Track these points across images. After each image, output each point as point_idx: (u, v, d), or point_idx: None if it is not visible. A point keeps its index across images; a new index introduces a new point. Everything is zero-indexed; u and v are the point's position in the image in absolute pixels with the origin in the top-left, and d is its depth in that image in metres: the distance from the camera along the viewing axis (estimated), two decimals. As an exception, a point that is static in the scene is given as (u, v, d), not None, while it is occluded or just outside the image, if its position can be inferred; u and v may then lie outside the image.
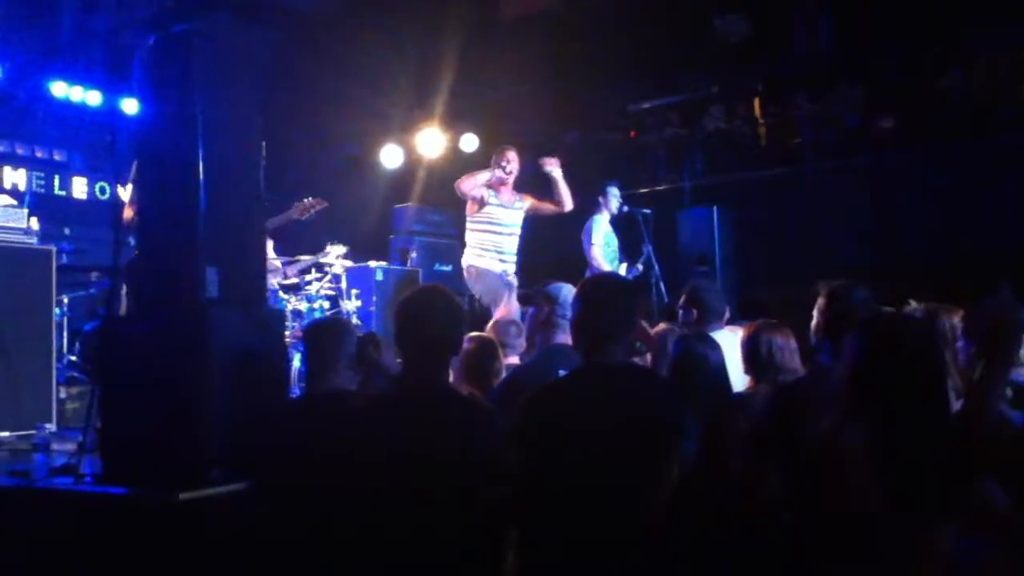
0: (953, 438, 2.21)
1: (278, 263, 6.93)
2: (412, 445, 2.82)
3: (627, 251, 7.59)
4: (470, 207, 6.72)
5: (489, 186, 6.67)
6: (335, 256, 7.20)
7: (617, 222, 7.54)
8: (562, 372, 3.49)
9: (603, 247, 7.26)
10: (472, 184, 6.64)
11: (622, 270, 7.33)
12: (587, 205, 7.60)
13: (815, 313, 3.28)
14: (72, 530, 3.53)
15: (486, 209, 6.67)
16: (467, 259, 6.72)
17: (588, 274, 6.96)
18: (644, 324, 4.23)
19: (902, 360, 2.22)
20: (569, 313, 3.82)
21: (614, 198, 7.46)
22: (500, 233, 6.68)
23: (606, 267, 7.18)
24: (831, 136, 8.43)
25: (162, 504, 3.33)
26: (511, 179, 6.72)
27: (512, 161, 6.69)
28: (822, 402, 2.42)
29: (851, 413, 2.24)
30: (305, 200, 6.69)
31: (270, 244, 6.62)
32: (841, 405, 2.26)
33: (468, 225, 6.76)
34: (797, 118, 8.62)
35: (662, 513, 2.64)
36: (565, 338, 3.90)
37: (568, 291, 4.01)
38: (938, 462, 2.14)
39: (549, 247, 7.74)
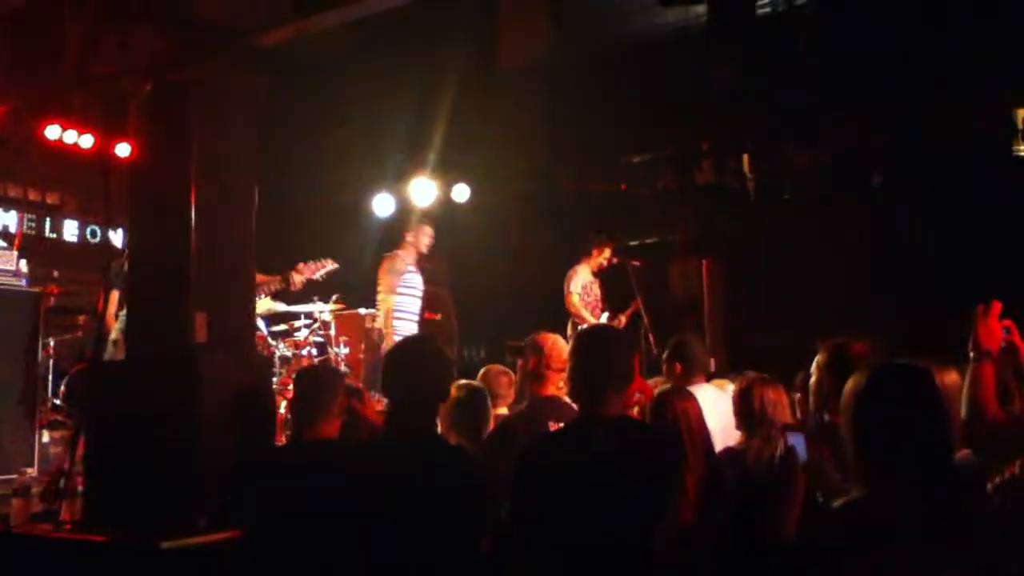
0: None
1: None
2: (399, 493, 2.80)
3: (612, 301, 7.63)
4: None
5: None
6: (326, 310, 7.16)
7: (607, 273, 7.58)
8: (551, 424, 3.48)
9: (581, 296, 7.38)
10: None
11: (603, 320, 7.40)
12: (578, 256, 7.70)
13: (814, 370, 3.27)
14: (50, 578, 3.46)
15: None
16: None
17: (569, 324, 7.07)
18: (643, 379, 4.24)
19: (913, 411, 2.19)
20: (555, 364, 3.83)
21: (604, 259, 7.62)
22: None
23: (585, 315, 7.25)
24: (821, 186, 8.50)
25: (143, 553, 3.28)
26: None
27: None
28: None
29: (863, 475, 2.19)
30: (320, 260, 6.63)
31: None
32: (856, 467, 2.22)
33: None
34: (788, 169, 8.70)
35: (655, 564, 2.61)
36: (554, 390, 3.89)
37: (553, 341, 4.01)
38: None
39: (536, 297, 7.76)
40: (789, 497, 2.41)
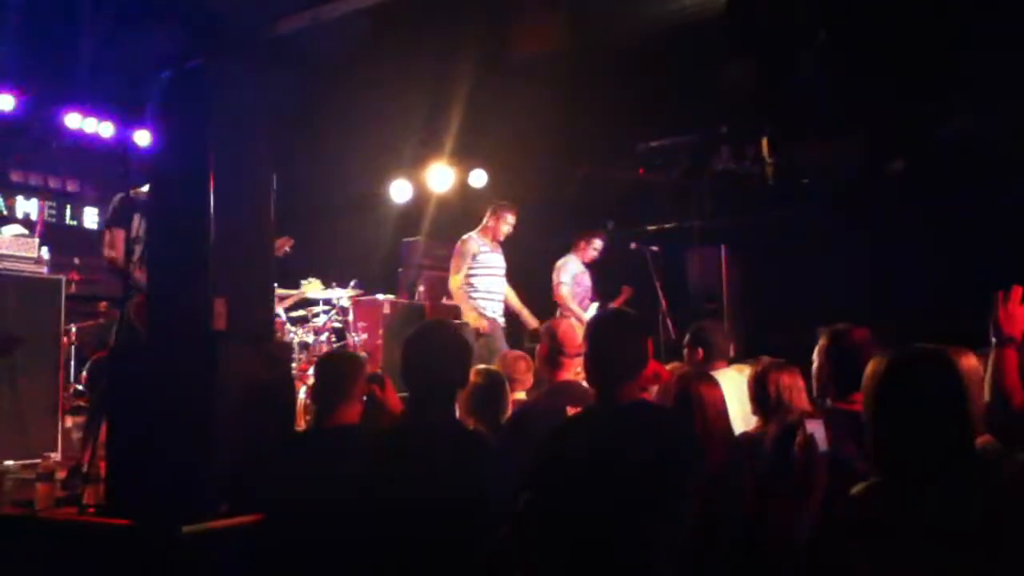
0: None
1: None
2: (419, 480, 2.81)
3: (603, 291, 7.64)
4: None
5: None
6: (310, 291, 7.15)
7: (624, 259, 7.57)
8: (569, 409, 3.49)
9: (571, 286, 7.35)
10: None
11: (592, 310, 7.39)
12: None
13: (815, 356, 3.27)
14: (74, 562, 3.51)
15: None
16: None
17: (559, 313, 7.09)
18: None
19: (934, 397, 2.18)
20: (568, 349, 3.84)
21: (594, 250, 7.57)
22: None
23: (573, 306, 7.28)
24: (838, 178, 8.45)
25: (165, 537, 3.31)
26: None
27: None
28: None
29: (882, 462, 2.19)
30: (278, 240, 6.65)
31: None
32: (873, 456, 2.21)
33: None
34: (803, 160, 8.65)
35: (674, 553, 2.62)
36: (571, 374, 3.90)
37: (567, 327, 4.02)
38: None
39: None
40: (808, 492, 2.41)
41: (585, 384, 3.78)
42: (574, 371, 3.94)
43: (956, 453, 2.16)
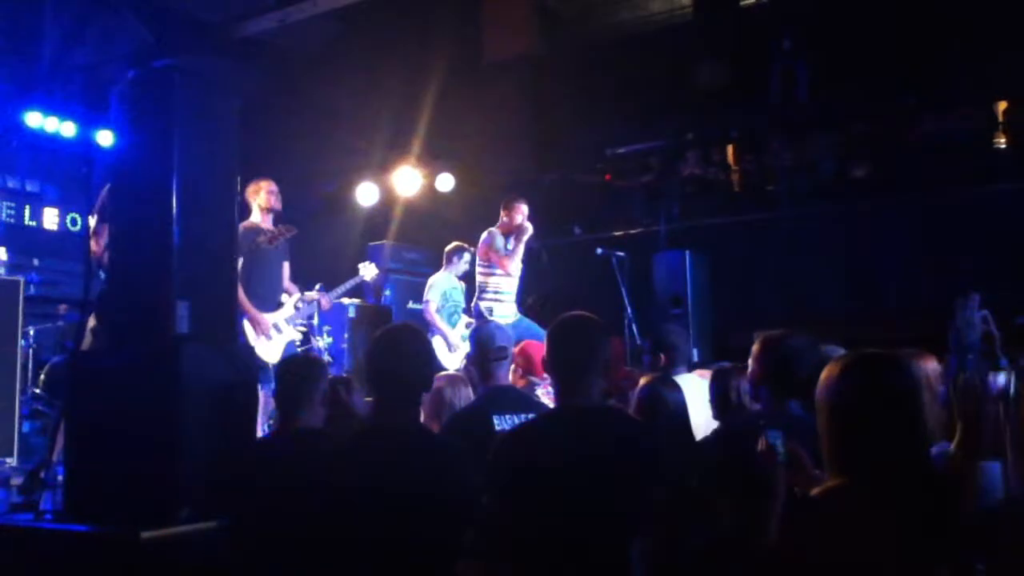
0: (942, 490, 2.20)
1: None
2: (384, 483, 2.80)
3: (595, 293, 7.64)
4: None
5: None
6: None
7: (592, 263, 7.59)
8: (496, 416, 3.48)
9: (439, 304, 7.42)
10: None
11: (461, 325, 7.41)
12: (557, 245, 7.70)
13: (750, 362, 3.29)
14: (31, 568, 3.44)
15: None
16: None
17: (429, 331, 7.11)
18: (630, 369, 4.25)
19: (888, 400, 2.20)
20: (491, 354, 3.81)
21: (464, 263, 7.61)
22: None
23: (440, 325, 7.34)
24: (806, 182, 8.54)
25: (123, 543, 3.26)
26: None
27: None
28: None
29: (838, 464, 2.21)
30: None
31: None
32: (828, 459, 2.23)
33: None
34: (772, 164, 8.74)
35: (644, 556, 2.61)
36: (502, 379, 3.83)
37: (489, 331, 3.97)
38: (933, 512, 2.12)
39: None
40: (770, 499, 2.42)
41: (518, 387, 3.78)
42: (508, 375, 3.90)
43: (908, 457, 2.18)
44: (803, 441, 2.49)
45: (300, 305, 6.56)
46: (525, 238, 7.07)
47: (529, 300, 7.66)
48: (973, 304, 2.69)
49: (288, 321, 6.45)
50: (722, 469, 2.79)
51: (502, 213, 7.20)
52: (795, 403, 3.07)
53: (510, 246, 7.05)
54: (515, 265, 7.11)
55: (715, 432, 3.40)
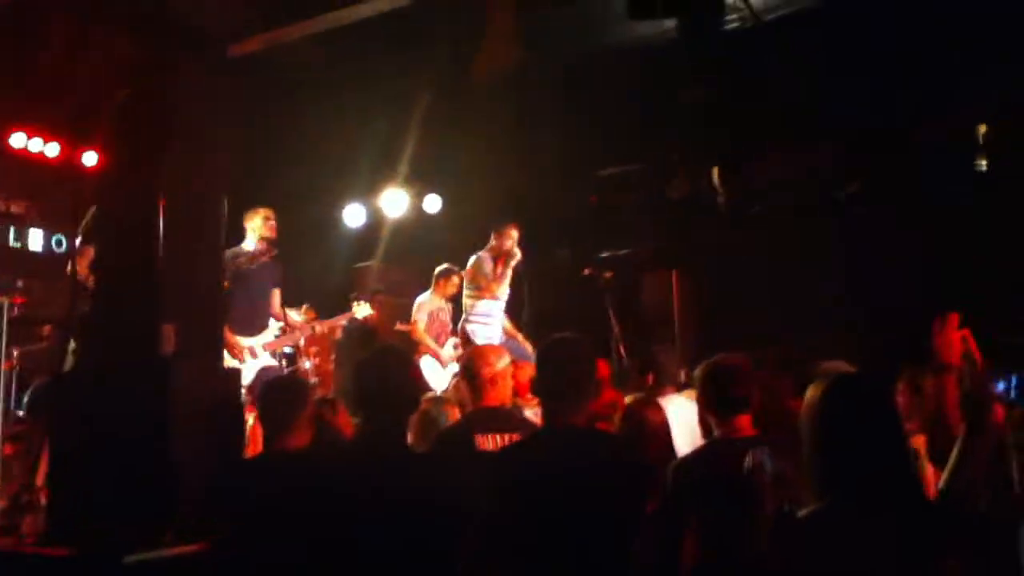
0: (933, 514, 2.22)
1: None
2: (370, 504, 2.80)
3: (583, 314, 7.66)
4: None
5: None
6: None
7: (579, 284, 7.61)
8: (479, 436, 3.48)
9: (427, 326, 7.48)
10: None
11: (450, 346, 7.43)
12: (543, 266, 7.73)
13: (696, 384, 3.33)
14: (12, 593, 3.41)
15: None
16: None
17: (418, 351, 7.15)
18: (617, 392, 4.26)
19: (870, 419, 2.22)
20: (480, 374, 3.81)
21: (452, 286, 7.64)
22: None
23: (428, 342, 7.38)
24: (792, 200, 8.58)
25: (106, 567, 3.23)
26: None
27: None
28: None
29: (821, 484, 2.21)
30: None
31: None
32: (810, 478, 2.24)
33: None
34: (758, 184, 8.78)
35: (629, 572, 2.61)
36: (489, 399, 3.82)
37: (477, 354, 3.96)
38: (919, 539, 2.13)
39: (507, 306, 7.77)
40: (758, 514, 2.43)
41: (505, 408, 3.79)
42: (500, 396, 3.89)
43: (891, 477, 2.19)
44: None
45: (280, 333, 6.55)
46: (513, 263, 7.12)
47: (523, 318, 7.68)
48: (951, 324, 2.71)
49: (266, 347, 6.43)
50: (706, 485, 2.80)
51: (492, 237, 7.23)
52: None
53: (498, 270, 7.09)
54: (502, 289, 7.16)
55: (698, 450, 3.40)
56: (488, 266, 7.14)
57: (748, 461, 2.63)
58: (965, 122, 7.43)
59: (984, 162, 7.41)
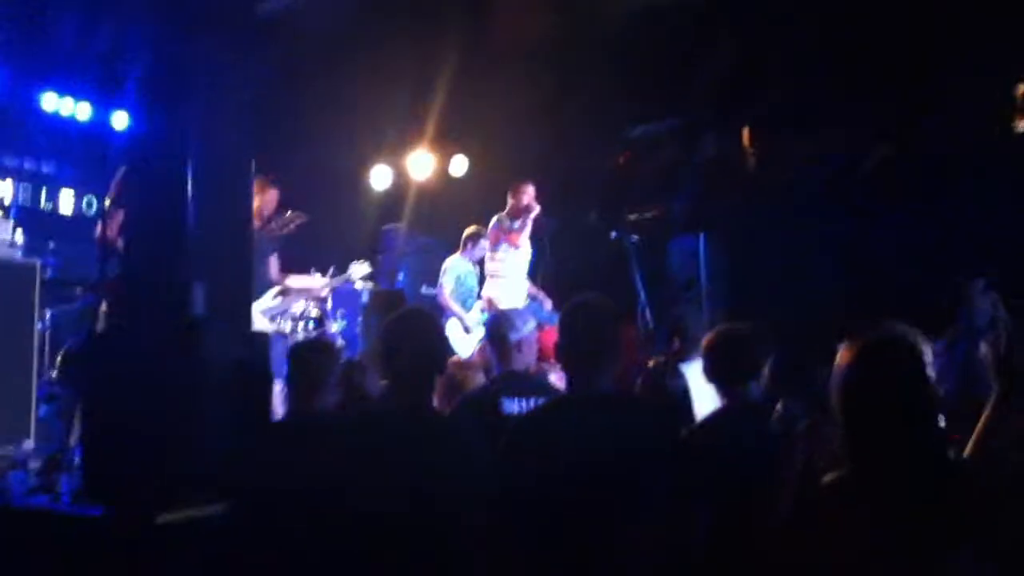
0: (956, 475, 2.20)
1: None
2: (398, 465, 2.81)
3: (608, 277, 7.63)
4: None
5: None
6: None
7: (606, 246, 7.59)
8: (506, 399, 3.49)
9: (454, 290, 7.42)
10: None
11: (476, 309, 7.43)
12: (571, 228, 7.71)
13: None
14: (48, 551, 3.48)
15: None
16: None
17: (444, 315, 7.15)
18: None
19: (898, 386, 2.20)
20: (501, 337, 3.82)
21: (480, 249, 7.62)
22: None
23: (455, 308, 7.35)
24: (821, 169, 8.47)
25: (139, 526, 3.29)
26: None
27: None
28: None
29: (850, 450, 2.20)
30: (287, 214, 6.65)
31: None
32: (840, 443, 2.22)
33: None
34: (787, 150, 8.67)
35: (647, 546, 2.62)
36: (512, 363, 3.83)
37: (507, 315, 3.98)
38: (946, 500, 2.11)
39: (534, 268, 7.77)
40: (786, 469, 2.42)
41: (532, 372, 3.80)
42: (526, 360, 3.90)
43: (922, 443, 2.17)
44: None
45: (278, 299, 6.56)
46: (532, 215, 7.22)
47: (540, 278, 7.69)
48: (979, 288, 2.67)
49: (264, 313, 6.44)
50: (711, 455, 2.80)
51: (509, 196, 7.30)
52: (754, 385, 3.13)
53: (517, 225, 7.17)
54: (523, 239, 7.23)
55: (702, 421, 3.41)
56: (507, 223, 7.25)
57: (777, 410, 2.61)
58: (1001, 82, 7.28)
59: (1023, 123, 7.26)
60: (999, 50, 6.98)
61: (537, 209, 7.23)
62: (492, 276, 7.27)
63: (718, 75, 8.04)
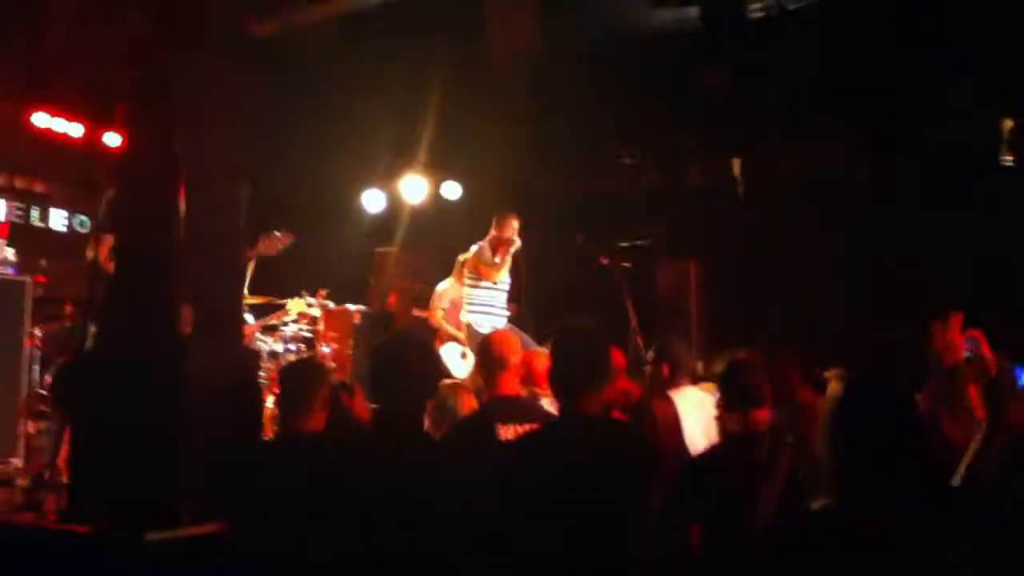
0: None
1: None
2: (388, 488, 2.81)
3: (598, 303, 7.66)
4: None
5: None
6: (296, 311, 7.08)
7: (595, 271, 7.61)
8: (501, 425, 3.48)
9: (447, 310, 7.50)
10: None
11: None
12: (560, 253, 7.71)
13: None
14: (35, 570, 3.45)
15: None
16: None
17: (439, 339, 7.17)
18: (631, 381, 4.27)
19: (882, 421, 2.22)
20: (499, 362, 3.81)
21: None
22: None
23: (449, 329, 7.42)
24: (809, 191, 8.53)
25: (127, 544, 3.27)
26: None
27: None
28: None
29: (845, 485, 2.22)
30: (274, 233, 6.59)
31: None
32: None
33: None
34: (775, 173, 8.73)
35: (629, 566, 2.63)
36: (509, 388, 3.82)
37: (499, 339, 3.96)
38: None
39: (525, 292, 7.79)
40: (775, 475, 2.44)
41: (524, 397, 3.79)
42: (516, 384, 3.89)
43: (912, 475, 2.19)
44: None
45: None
46: (512, 251, 7.17)
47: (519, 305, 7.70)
48: (953, 326, 2.70)
49: None
50: (723, 480, 2.81)
51: (492, 226, 7.29)
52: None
53: (497, 259, 7.15)
54: (501, 275, 7.21)
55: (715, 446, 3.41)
56: (488, 254, 7.22)
57: (773, 421, 2.64)
58: (988, 116, 7.37)
59: (1010, 157, 7.34)
60: (988, 84, 7.07)
61: (518, 244, 7.20)
62: (468, 303, 7.27)
63: (707, 102, 8.12)
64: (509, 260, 7.23)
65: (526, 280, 7.62)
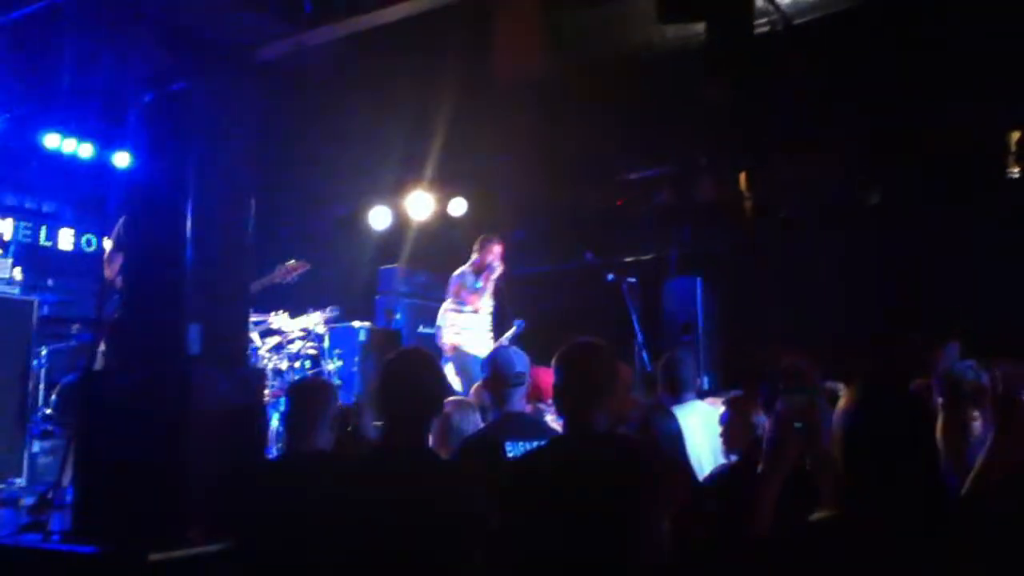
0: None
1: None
2: (392, 507, 2.80)
3: (607, 320, 7.64)
4: None
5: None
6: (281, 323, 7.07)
7: (602, 289, 7.60)
8: (508, 443, 3.47)
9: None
10: None
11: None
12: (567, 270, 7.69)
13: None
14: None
15: None
16: None
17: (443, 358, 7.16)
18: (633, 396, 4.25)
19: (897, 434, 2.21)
20: (506, 379, 3.80)
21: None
22: None
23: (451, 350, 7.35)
24: (817, 207, 8.53)
25: (131, 564, 3.26)
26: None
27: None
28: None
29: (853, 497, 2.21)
30: (289, 262, 6.68)
31: None
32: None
33: None
34: (781, 188, 8.73)
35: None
36: (518, 404, 3.81)
37: (507, 356, 3.95)
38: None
39: (530, 311, 7.77)
40: (779, 460, 2.43)
41: (531, 414, 3.77)
42: (522, 401, 3.88)
43: (921, 484, 2.18)
44: None
45: None
46: (494, 277, 7.19)
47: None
48: (954, 353, 2.69)
49: None
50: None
51: (475, 251, 7.30)
52: None
53: (479, 284, 7.16)
54: (484, 302, 7.22)
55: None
56: (471, 280, 7.23)
57: (780, 405, 2.62)
58: (995, 129, 7.36)
59: (1016, 169, 7.33)
60: (993, 97, 7.07)
61: (500, 269, 7.21)
62: (452, 326, 7.27)
63: (713, 118, 8.12)
64: (491, 286, 7.24)
65: (508, 305, 7.61)
